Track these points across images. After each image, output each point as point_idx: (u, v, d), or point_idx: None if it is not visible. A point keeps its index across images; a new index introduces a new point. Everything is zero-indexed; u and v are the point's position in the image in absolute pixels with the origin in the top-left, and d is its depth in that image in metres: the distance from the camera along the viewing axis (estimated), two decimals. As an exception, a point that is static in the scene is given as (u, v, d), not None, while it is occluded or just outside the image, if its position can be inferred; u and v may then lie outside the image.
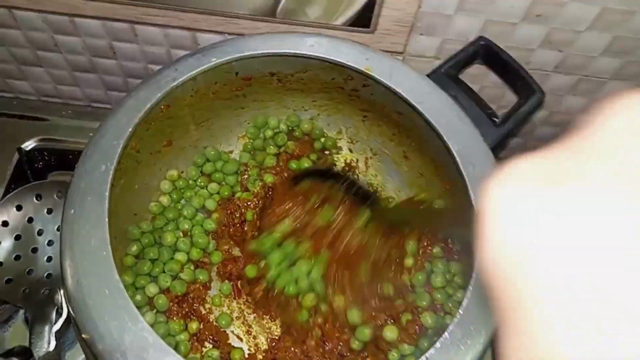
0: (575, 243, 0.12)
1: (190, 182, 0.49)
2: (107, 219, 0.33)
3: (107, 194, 0.34)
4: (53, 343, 0.35)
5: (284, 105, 0.51)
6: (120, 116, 0.38)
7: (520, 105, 0.43)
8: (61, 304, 0.33)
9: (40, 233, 0.51)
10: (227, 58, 0.41)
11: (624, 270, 0.12)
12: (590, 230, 0.12)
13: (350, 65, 0.42)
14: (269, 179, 0.50)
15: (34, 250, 0.50)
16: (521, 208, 0.13)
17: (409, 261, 0.45)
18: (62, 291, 0.33)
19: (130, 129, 0.37)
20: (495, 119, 0.43)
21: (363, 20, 0.46)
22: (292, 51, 0.42)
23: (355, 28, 0.47)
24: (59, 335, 0.35)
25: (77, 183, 0.35)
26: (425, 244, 0.46)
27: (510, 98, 0.54)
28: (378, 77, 0.42)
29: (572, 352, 0.12)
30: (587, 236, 0.12)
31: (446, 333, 0.33)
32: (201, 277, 0.45)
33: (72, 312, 0.31)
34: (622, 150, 0.13)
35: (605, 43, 0.47)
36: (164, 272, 0.43)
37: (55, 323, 0.34)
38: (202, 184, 0.49)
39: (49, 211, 0.51)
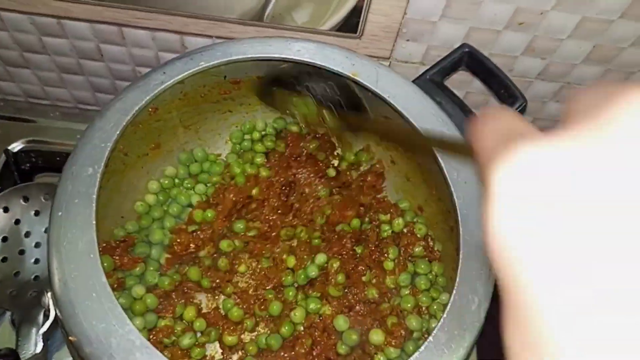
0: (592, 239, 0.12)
1: (177, 181, 0.49)
2: (94, 222, 0.34)
3: (94, 196, 0.35)
4: (40, 345, 0.35)
5: (271, 108, 0.51)
6: (108, 119, 0.38)
7: (503, 112, 0.44)
8: (49, 306, 0.33)
9: (27, 235, 0.51)
10: (215, 62, 0.42)
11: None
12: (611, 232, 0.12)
13: (336, 70, 0.43)
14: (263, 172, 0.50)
15: (21, 252, 0.50)
16: (532, 198, 0.13)
17: (389, 264, 0.46)
18: (49, 293, 0.33)
19: (117, 132, 0.37)
20: (479, 126, 0.44)
21: (350, 25, 0.47)
22: (280, 56, 0.43)
23: (342, 33, 0.48)
24: (46, 337, 0.35)
25: (64, 185, 0.35)
26: (406, 242, 0.46)
27: (493, 104, 0.56)
28: (364, 83, 0.43)
29: (569, 337, 0.12)
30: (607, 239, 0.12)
31: (430, 337, 0.34)
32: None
33: (59, 314, 0.32)
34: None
35: (586, 51, 0.49)
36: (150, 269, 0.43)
37: (42, 325, 0.34)
38: (188, 185, 0.50)
39: (36, 213, 0.51)
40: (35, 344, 0.38)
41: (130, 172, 0.45)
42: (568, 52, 0.49)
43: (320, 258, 0.45)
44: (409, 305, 0.44)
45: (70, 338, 0.30)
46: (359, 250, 0.47)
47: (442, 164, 0.40)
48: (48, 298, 0.33)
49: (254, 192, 0.48)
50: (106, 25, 0.49)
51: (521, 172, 0.13)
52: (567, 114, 0.15)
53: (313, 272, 0.44)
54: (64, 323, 0.31)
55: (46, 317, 0.33)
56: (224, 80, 0.45)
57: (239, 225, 0.47)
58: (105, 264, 0.34)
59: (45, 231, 0.51)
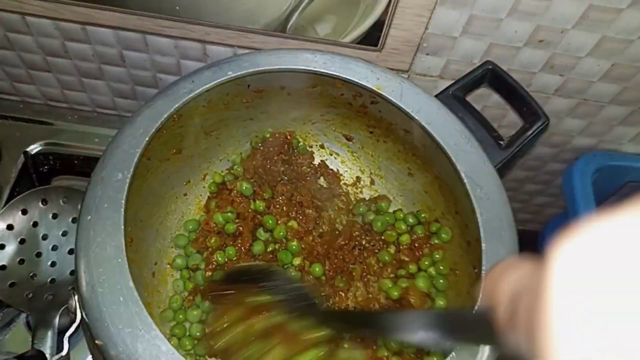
0: None
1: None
2: (122, 227, 0.34)
3: (123, 201, 0.35)
4: (66, 347, 0.35)
5: (291, 117, 0.52)
6: (138, 125, 0.38)
7: (525, 130, 0.44)
8: (75, 309, 0.33)
9: (44, 238, 0.51)
10: (242, 72, 0.42)
11: None
12: None
13: (362, 84, 0.43)
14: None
15: (38, 254, 0.51)
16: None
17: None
18: (76, 297, 0.33)
19: (147, 139, 0.38)
20: (501, 142, 0.44)
21: (371, 38, 0.48)
22: (306, 67, 0.43)
23: (363, 46, 0.48)
24: (72, 340, 0.35)
25: (93, 190, 0.35)
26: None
27: (510, 118, 0.56)
28: (389, 97, 0.43)
29: None
30: None
31: (453, 352, 0.34)
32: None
33: (85, 318, 0.32)
34: None
35: (604, 69, 0.49)
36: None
37: (69, 328, 0.35)
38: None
39: (54, 216, 0.52)
40: (59, 346, 0.38)
41: (151, 175, 0.45)
42: (586, 70, 0.49)
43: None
44: None
45: (96, 342, 0.31)
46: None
47: (465, 180, 0.40)
48: (75, 301, 0.33)
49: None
50: (130, 32, 0.49)
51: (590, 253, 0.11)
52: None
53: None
54: (91, 327, 0.31)
55: (72, 320, 0.34)
56: (248, 89, 0.46)
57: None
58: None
59: (63, 234, 0.51)
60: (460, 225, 0.45)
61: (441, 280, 0.46)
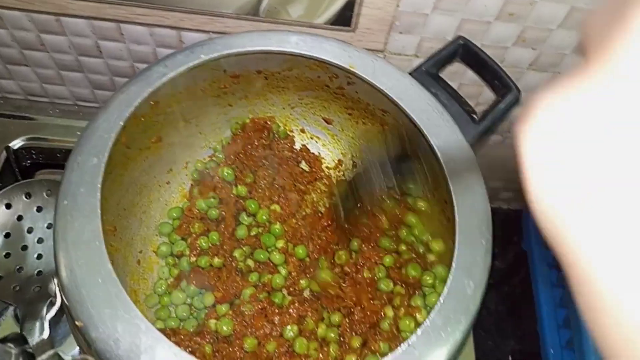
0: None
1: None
2: (99, 210, 0.34)
3: (99, 185, 0.35)
4: (47, 331, 0.36)
5: (271, 102, 0.52)
6: (111, 111, 0.39)
7: (497, 103, 0.45)
8: (55, 293, 0.34)
9: (30, 231, 0.51)
10: (215, 55, 0.42)
11: None
12: None
13: (334, 62, 0.44)
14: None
15: (24, 248, 0.51)
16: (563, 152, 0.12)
17: (389, 312, 0.45)
18: (55, 280, 0.34)
19: (121, 123, 0.38)
20: (474, 116, 0.45)
21: (344, 19, 0.48)
22: (278, 48, 0.44)
23: (337, 27, 0.49)
24: (52, 323, 0.36)
25: (69, 175, 0.36)
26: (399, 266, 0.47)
27: (487, 95, 0.57)
28: (361, 74, 0.44)
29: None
30: None
31: (427, 321, 0.35)
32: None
33: (65, 300, 0.32)
34: None
35: (575, 41, 0.50)
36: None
37: (49, 312, 0.35)
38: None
39: (39, 209, 0.52)
40: (42, 329, 0.39)
41: (132, 164, 0.45)
42: (558, 42, 0.50)
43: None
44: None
45: (77, 323, 0.31)
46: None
47: (439, 154, 0.41)
48: (55, 285, 0.34)
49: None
50: (104, 21, 0.49)
51: (548, 126, 0.13)
52: (584, 42, 0.14)
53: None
54: (71, 309, 0.32)
55: (52, 303, 0.34)
56: (224, 74, 0.46)
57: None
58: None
59: (48, 227, 0.51)
60: (440, 202, 0.45)
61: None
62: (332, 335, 0.44)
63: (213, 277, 0.47)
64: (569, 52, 0.51)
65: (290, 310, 0.44)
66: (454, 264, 0.37)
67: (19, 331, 0.45)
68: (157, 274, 0.49)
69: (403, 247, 0.47)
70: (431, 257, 0.47)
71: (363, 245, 0.48)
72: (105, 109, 0.39)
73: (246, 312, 0.44)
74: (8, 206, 0.50)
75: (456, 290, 0.36)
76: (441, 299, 0.35)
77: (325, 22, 0.48)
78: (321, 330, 0.44)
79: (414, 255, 0.47)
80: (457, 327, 0.35)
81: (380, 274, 0.46)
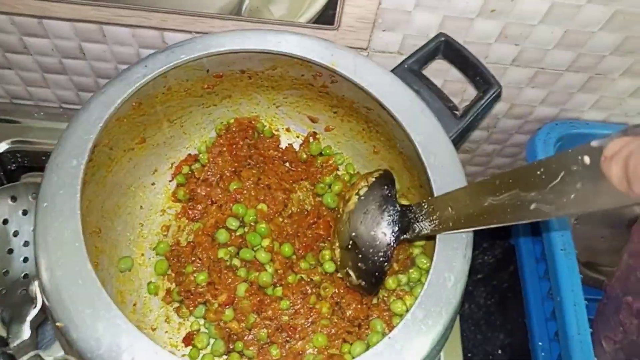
0: None
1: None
2: (79, 212, 0.34)
3: (79, 187, 0.35)
4: (28, 332, 0.36)
5: (256, 102, 0.52)
6: (91, 112, 0.39)
7: (479, 98, 0.45)
8: (36, 294, 0.34)
9: (15, 234, 0.51)
10: (196, 55, 0.42)
11: None
12: None
13: (315, 60, 0.44)
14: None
15: (10, 251, 0.51)
16: None
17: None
18: (36, 282, 0.34)
19: (101, 124, 0.38)
20: (456, 112, 0.45)
21: (327, 17, 0.48)
22: (259, 48, 0.44)
23: (320, 25, 0.49)
24: (34, 325, 0.36)
25: (49, 177, 0.36)
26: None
27: (470, 92, 0.57)
28: (343, 72, 0.44)
29: None
30: None
31: (408, 314, 0.35)
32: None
33: (46, 301, 0.32)
34: None
35: (557, 36, 0.50)
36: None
37: (29, 313, 0.35)
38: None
39: (24, 212, 0.52)
40: (21, 336, 0.39)
41: (116, 166, 0.45)
42: (540, 38, 0.50)
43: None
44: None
45: (57, 324, 0.31)
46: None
47: (419, 149, 0.41)
48: (35, 286, 0.34)
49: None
50: (87, 23, 0.49)
51: None
52: None
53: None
54: (52, 310, 0.32)
55: (34, 305, 0.34)
56: (207, 74, 0.46)
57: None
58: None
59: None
60: (424, 198, 0.46)
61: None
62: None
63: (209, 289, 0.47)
64: (551, 48, 0.51)
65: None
66: (434, 258, 0.37)
67: (5, 334, 0.45)
68: (143, 276, 0.49)
69: None
70: (415, 251, 0.47)
71: None
72: (85, 110, 0.39)
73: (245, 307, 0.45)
74: (-7, 210, 0.50)
75: (437, 284, 0.36)
76: (422, 292, 0.36)
77: (307, 21, 0.48)
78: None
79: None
80: (438, 320, 0.35)
81: None
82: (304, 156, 0.54)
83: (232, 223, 0.49)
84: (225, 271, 0.46)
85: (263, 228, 0.49)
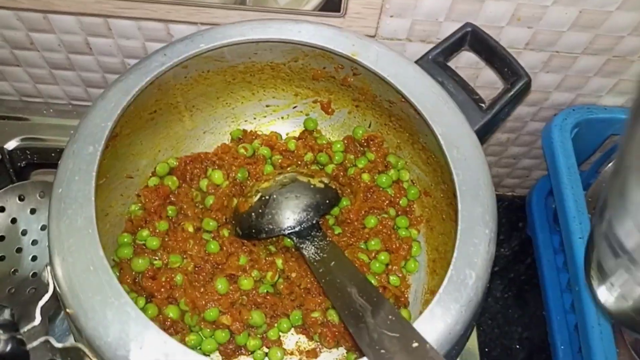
0: None
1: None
2: (93, 199, 0.34)
3: (94, 174, 0.35)
4: (38, 318, 0.35)
5: (277, 95, 0.52)
6: (109, 99, 0.39)
7: (507, 91, 0.44)
8: (47, 280, 0.34)
9: (24, 233, 0.51)
10: (215, 44, 0.42)
11: None
12: None
13: (336, 50, 0.43)
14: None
15: (19, 250, 0.50)
16: None
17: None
18: (48, 267, 0.33)
19: (118, 112, 0.38)
20: (482, 105, 0.44)
21: (332, 4, 0.47)
22: (280, 37, 0.43)
23: (326, 12, 0.48)
24: (45, 311, 0.35)
25: (65, 163, 0.36)
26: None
27: (483, 79, 0.56)
28: (364, 62, 0.43)
29: None
30: None
31: (427, 311, 0.33)
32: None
33: (57, 288, 0.32)
34: None
35: (572, 17, 0.49)
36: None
37: (41, 299, 0.35)
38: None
39: (32, 211, 0.51)
40: (33, 317, 0.39)
41: (134, 154, 0.46)
42: (554, 19, 0.49)
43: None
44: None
45: (67, 310, 0.31)
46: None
47: (441, 141, 0.40)
48: (47, 272, 0.33)
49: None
50: (92, 17, 0.49)
51: None
52: None
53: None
54: (62, 296, 0.31)
55: (45, 290, 0.34)
56: (228, 65, 0.46)
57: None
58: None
59: (42, 229, 0.51)
60: (448, 196, 0.44)
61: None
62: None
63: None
64: (566, 30, 0.50)
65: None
66: (455, 253, 0.35)
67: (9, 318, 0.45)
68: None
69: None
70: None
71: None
72: (103, 98, 0.39)
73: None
74: (2, 209, 0.50)
75: (457, 281, 0.34)
76: (441, 289, 0.34)
77: (313, 8, 0.48)
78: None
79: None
80: (458, 319, 0.33)
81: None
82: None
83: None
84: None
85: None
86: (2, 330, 0.34)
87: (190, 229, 0.45)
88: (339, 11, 0.48)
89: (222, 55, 0.44)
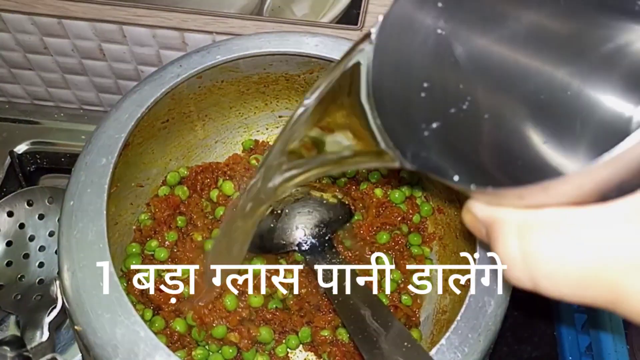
0: None
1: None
2: (105, 212, 0.33)
3: (106, 186, 0.34)
4: (46, 334, 0.35)
5: (291, 105, 0.51)
6: (124, 110, 0.38)
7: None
8: (56, 295, 0.33)
9: (31, 239, 0.51)
10: (231, 56, 0.41)
11: None
12: None
13: None
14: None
15: (26, 256, 0.50)
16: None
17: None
18: (57, 282, 0.33)
19: (132, 124, 0.37)
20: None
21: (350, 17, 0.47)
22: (297, 50, 0.42)
23: (343, 25, 0.48)
24: (53, 326, 0.35)
25: (77, 175, 0.35)
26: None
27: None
28: None
29: None
30: None
31: (443, 339, 0.32)
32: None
33: (66, 303, 0.31)
34: None
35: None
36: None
37: (49, 314, 0.34)
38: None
39: (40, 217, 0.51)
40: (41, 332, 0.38)
41: (145, 165, 0.45)
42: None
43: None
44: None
45: (76, 327, 0.30)
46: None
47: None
48: (56, 286, 0.33)
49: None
50: (106, 24, 0.49)
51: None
52: None
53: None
54: (71, 312, 0.31)
55: (54, 305, 0.33)
56: (243, 76, 0.45)
57: None
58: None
59: (50, 235, 0.51)
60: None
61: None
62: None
63: None
64: None
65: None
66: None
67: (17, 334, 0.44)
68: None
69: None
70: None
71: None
72: (117, 109, 0.38)
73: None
74: (10, 214, 0.50)
75: (475, 308, 0.33)
76: (459, 316, 0.33)
77: (330, 20, 0.47)
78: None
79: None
80: (475, 348, 0.32)
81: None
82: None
83: None
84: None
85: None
86: (9, 348, 0.33)
87: (200, 239, 0.44)
88: (356, 24, 0.47)
89: (237, 66, 0.44)
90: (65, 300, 0.31)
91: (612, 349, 0.46)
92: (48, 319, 0.34)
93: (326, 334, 0.41)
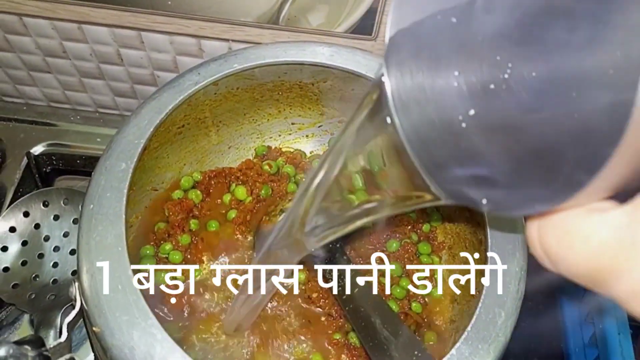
0: None
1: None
2: (124, 216, 0.34)
3: (125, 191, 0.35)
4: (65, 334, 0.35)
5: (304, 113, 0.52)
6: (143, 116, 0.39)
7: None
8: (75, 297, 0.34)
9: (46, 239, 0.52)
10: (249, 64, 0.42)
11: None
12: None
13: (368, 76, 0.43)
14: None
15: (40, 256, 0.51)
16: None
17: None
18: (76, 284, 0.34)
19: (151, 129, 0.38)
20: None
21: (365, 27, 0.48)
22: (312, 60, 0.43)
23: (358, 35, 0.48)
24: (71, 326, 0.36)
25: (97, 180, 0.36)
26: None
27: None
28: None
29: None
30: None
31: (453, 350, 0.33)
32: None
33: (84, 305, 0.32)
34: None
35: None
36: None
37: (67, 315, 0.35)
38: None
39: (56, 218, 0.52)
40: (59, 332, 0.39)
41: (160, 169, 0.46)
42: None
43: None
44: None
45: (94, 329, 0.31)
46: None
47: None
48: (75, 288, 0.34)
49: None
50: (125, 29, 0.50)
51: None
52: None
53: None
54: (89, 314, 0.31)
55: (72, 306, 0.34)
56: (258, 83, 0.46)
57: None
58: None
59: (65, 235, 0.52)
60: (472, 224, 0.43)
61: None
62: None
63: None
64: None
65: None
66: (484, 291, 0.35)
67: (41, 336, 0.45)
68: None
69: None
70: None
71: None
72: (137, 115, 0.39)
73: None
74: (26, 214, 0.51)
75: (486, 320, 0.34)
76: (469, 327, 0.34)
77: (345, 30, 0.48)
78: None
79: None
80: (485, 359, 0.33)
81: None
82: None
83: None
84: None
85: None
86: (30, 347, 0.34)
87: (214, 228, 0.45)
88: (371, 34, 0.48)
89: (252, 74, 0.44)
90: (83, 302, 0.32)
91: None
92: (67, 320, 0.35)
93: (338, 337, 0.42)
